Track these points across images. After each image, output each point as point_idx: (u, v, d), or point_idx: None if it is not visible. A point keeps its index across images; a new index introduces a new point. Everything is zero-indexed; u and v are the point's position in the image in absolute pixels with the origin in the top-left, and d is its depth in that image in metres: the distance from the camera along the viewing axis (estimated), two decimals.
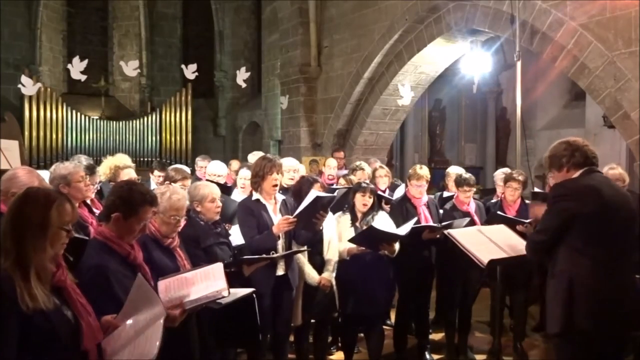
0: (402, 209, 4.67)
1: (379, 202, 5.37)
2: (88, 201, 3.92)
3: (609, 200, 2.71)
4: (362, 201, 4.28)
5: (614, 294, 2.70)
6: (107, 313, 2.09)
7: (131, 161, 5.43)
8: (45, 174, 4.18)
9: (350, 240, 4.12)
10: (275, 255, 3.70)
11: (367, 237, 4.09)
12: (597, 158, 2.89)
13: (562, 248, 2.75)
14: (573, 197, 2.73)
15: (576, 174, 2.83)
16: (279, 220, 3.79)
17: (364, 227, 4.21)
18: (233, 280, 3.20)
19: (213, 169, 5.44)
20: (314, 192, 3.86)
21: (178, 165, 5.54)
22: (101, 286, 2.26)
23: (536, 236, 2.91)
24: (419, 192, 4.70)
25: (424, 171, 4.70)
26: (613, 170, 5.19)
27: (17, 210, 1.92)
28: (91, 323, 2.00)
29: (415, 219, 4.40)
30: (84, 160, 4.73)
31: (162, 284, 2.54)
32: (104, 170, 4.99)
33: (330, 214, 4.13)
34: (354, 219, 4.32)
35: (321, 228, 4.06)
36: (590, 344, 2.70)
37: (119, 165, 4.90)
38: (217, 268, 2.73)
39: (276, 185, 3.92)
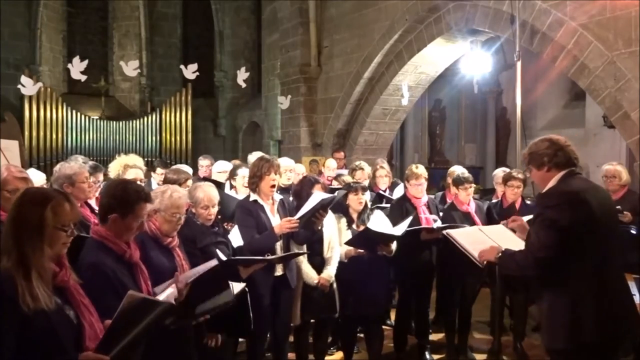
0: (402, 209, 4.66)
1: (379, 201, 5.40)
2: (91, 201, 3.93)
3: (598, 207, 2.64)
4: (358, 200, 4.29)
5: (615, 302, 2.64)
6: (104, 311, 2.08)
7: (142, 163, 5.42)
8: (37, 174, 4.21)
9: (347, 243, 4.12)
10: (271, 257, 3.67)
11: (363, 238, 4.09)
12: (578, 159, 2.80)
13: (558, 260, 2.64)
14: (563, 206, 2.61)
15: (557, 175, 2.74)
16: (281, 221, 3.79)
17: (361, 228, 4.21)
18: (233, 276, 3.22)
19: (219, 167, 5.70)
20: (318, 195, 3.87)
21: (178, 166, 5.53)
22: (98, 284, 2.25)
23: (541, 252, 2.67)
24: (420, 191, 4.69)
25: (420, 170, 4.70)
26: (609, 166, 5.17)
27: (15, 210, 1.92)
28: (94, 323, 2.00)
29: (411, 217, 4.39)
30: (80, 160, 4.73)
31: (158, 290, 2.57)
32: (114, 167, 5.01)
33: (330, 213, 4.13)
34: (349, 221, 4.32)
35: (320, 228, 4.06)
36: (594, 356, 2.63)
37: (129, 164, 4.91)
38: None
39: (274, 186, 3.92)
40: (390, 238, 4.14)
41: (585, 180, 2.83)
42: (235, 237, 3.98)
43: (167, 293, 2.39)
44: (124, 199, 2.45)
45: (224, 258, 3.32)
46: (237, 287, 3.01)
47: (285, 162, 5.28)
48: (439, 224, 4.58)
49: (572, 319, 2.60)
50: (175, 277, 2.54)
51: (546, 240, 2.63)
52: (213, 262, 2.79)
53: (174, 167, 5.48)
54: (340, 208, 4.37)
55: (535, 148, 2.82)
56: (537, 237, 2.71)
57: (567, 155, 2.76)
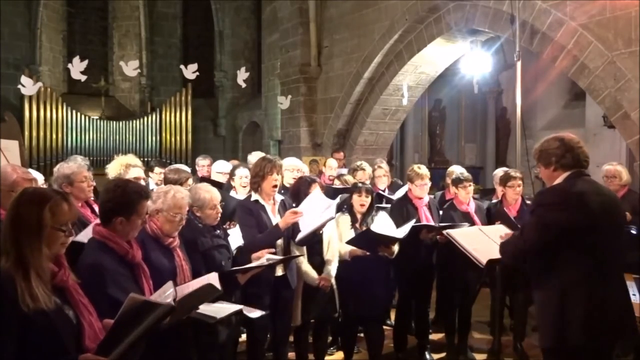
0: (403, 210, 4.66)
1: (379, 201, 5.39)
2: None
3: (598, 209, 2.60)
4: (359, 202, 4.29)
5: (605, 305, 2.61)
6: (102, 311, 2.09)
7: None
8: (34, 175, 4.21)
9: (348, 242, 4.12)
10: (267, 262, 3.65)
11: (364, 239, 4.09)
12: (588, 161, 2.77)
13: (550, 259, 2.64)
14: (562, 207, 2.58)
15: (563, 175, 2.72)
16: (285, 214, 3.77)
17: (364, 229, 4.21)
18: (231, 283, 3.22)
19: (219, 167, 5.67)
20: (318, 195, 3.88)
21: (177, 165, 5.52)
22: (96, 284, 2.26)
23: (521, 244, 2.73)
24: (425, 192, 4.71)
25: (424, 170, 4.71)
26: (609, 166, 5.19)
27: (13, 210, 1.92)
28: (93, 323, 2.00)
29: (414, 220, 4.39)
30: (79, 160, 4.73)
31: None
32: (114, 167, 5.01)
33: None
34: (353, 220, 4.32)
35: (321, 232, 4.06)
36: (582, 357, 2.63)
37: (130, 163, 4.93)
38: (212, 277, 2.74)
39: (276, 186, 3.91)
40: (391, 240, 4.14)
41: (590, 182, 2.76)
42: (235, 237, 3.98)
43: (167, 293, 2.39)
44: (126, 200, 2.46)
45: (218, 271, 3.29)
46: (233, 308, 3.01)
47: (292, 162, 5.29)
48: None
49: (561, 319, 2.59)
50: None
51: (534, 237, 2.65)
52: (205, 280, 2.73)
53: (172, 166, 5.48)
54: (344, 206, 4.38)
55: (547, 146, 2.79)
56: (522, 232, 2.75)
57: (576, 157, 2.72)
